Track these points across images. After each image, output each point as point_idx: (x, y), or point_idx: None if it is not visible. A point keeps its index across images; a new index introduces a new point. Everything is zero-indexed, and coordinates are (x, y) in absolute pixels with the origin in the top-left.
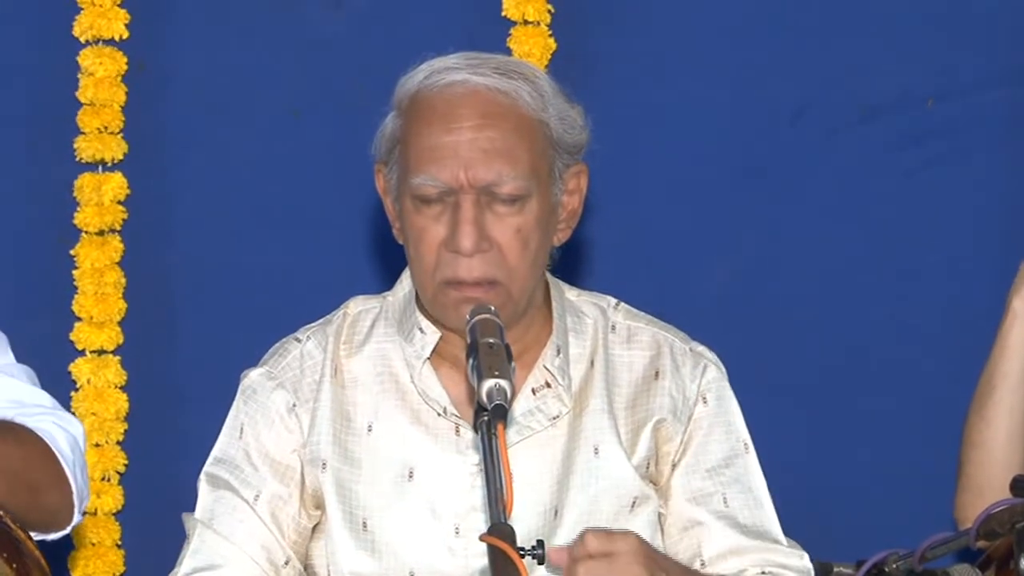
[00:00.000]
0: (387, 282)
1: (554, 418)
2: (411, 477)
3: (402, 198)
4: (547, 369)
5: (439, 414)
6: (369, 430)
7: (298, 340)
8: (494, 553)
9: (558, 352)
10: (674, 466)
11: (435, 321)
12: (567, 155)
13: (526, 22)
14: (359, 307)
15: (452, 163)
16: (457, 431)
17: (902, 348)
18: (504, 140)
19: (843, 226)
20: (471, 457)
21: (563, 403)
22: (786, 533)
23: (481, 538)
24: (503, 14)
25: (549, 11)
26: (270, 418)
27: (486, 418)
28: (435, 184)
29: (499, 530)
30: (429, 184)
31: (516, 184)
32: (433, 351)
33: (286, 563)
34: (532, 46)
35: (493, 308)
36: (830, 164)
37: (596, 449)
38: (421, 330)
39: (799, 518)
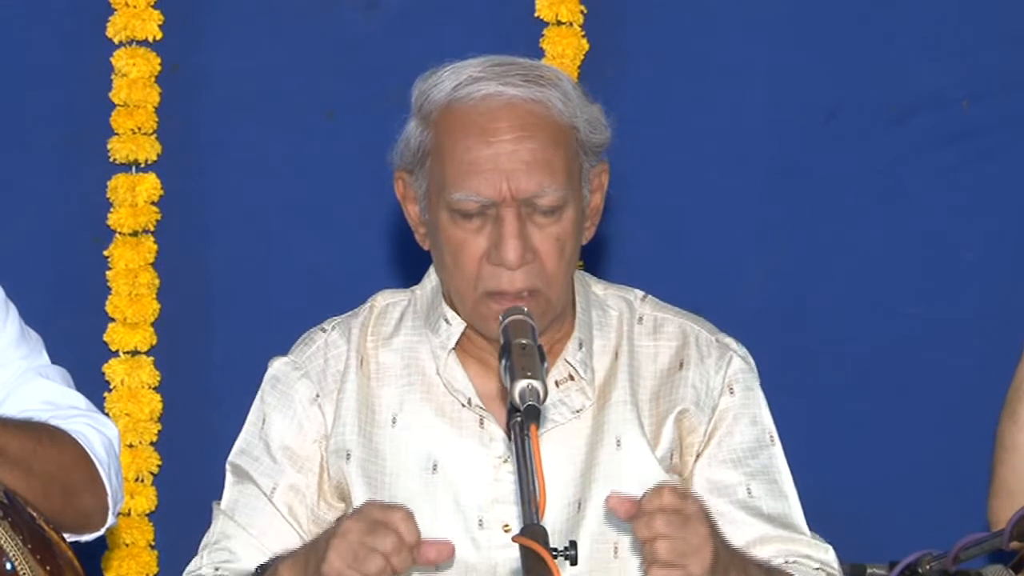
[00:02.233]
0: (418, 282)
1: (577, 411)
2: (435, 469)
3: (435, 209)
4: (568, 363)
5: (463, 405)
6: (393, 423)
7: (323, 330)
8: (526, 554)
9: (580, 346)
10: (698, 456)
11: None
12: (593, 156)
13: (559, 23)
14: (387, 300)
15: (494, 176)
16: (481, 423)
17: (935, 348)
18: (543, 151)
19: (876, 226)
20: (495, 449)
21: (586, 396)
22: (819, 534)
23: (514, 539)
24: (536, 15)
25: (582, 11)
26: (292, 408)
27: (519, 419)
28: (478, 199)
29: (532, 531)
30: (472, 200)
31: (557, 195)
32: (460, 345)
33: None
34: (565, 47)
35: (526, 309)
36: (863, 164)
37: (618, 441)
38: (447, 320)
39: (832, 519)
